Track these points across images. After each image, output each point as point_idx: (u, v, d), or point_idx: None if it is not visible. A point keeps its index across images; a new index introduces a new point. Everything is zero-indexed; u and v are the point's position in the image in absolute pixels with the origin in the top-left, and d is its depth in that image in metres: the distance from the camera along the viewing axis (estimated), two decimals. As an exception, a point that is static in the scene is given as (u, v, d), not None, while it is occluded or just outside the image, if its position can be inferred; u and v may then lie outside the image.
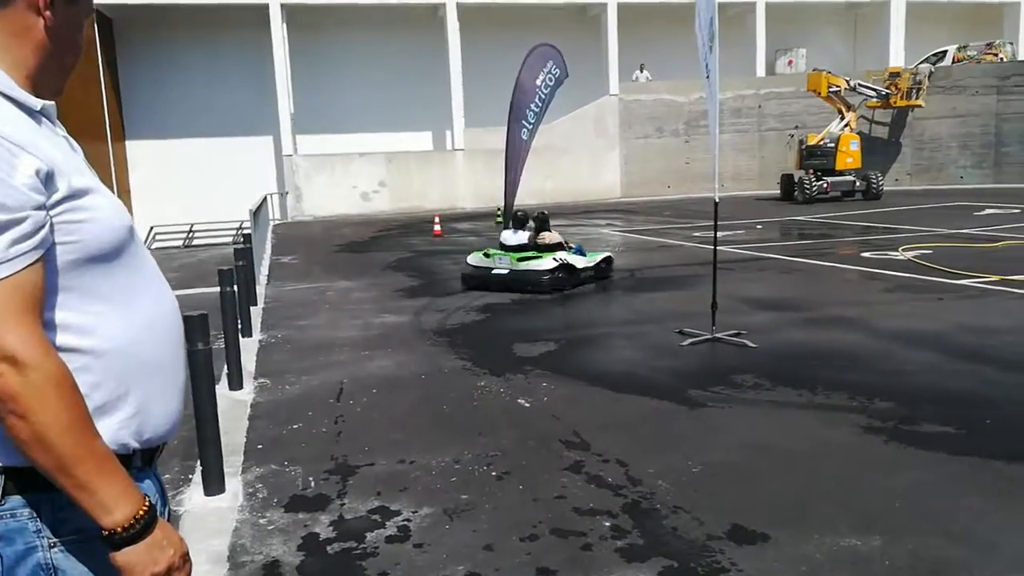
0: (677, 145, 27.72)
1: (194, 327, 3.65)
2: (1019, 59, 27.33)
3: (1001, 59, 26.57)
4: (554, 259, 9.22)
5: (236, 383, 5.76)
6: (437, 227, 17.57)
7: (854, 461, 4.05)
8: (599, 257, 10.10)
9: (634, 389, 5.44)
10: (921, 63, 26.68)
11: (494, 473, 4.06)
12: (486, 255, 9.87)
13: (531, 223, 9.97)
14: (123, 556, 1.20)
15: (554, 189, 26.71)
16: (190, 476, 4.25)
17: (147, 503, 1.24)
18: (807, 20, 29.33)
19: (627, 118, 27.48)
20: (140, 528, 1.21)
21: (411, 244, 15.78)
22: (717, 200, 6.88)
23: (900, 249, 11.71)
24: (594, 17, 27.75)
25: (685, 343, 6.57)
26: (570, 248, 9.82)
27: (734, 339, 6.56)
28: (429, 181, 26.00)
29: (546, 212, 10.35)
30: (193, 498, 3.99)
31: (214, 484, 3.98)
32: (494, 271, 9.54)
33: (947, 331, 6.70)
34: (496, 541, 3.34)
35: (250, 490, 4.02)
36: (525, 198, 25.55)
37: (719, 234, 7.63)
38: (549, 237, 9.71)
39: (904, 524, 3.34)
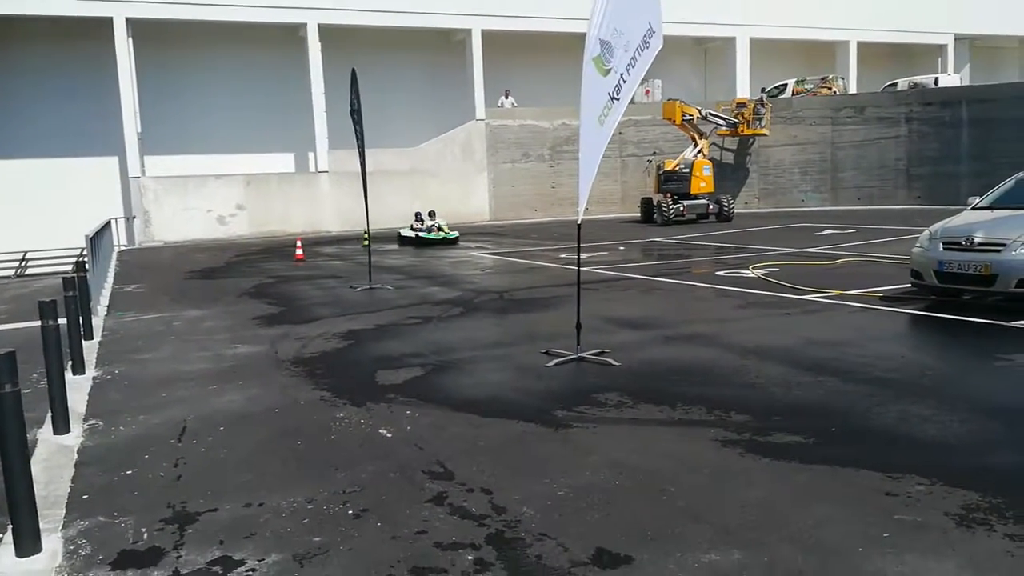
0: (543, 170, 28.29)
1: (-3, 366, 3.20)
2: (850, 92, 29.93)
3: (834, 92, 28.99)
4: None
5: (61, 427, 5.18)
6: (299, 251, 16.97)
7: (713, 475, 4.11)
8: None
9: (500, 413, 5.33)
10: (764, 93, 28.65)
11: (351, 512, 3.81)
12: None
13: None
14: None
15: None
16: (1, 535, 3.73)
17: None
18: (662, 53, 30.54)
19: (494, 143, 27.80)
20: None
21: (271, 270, 15.11)
22: (580, 222, 6.95)
23: (750, 268, 12.35)
24: (459, 42, 27.97)
25: (551, 364, 6.55)
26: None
27: (598, 358, 6.61)
28: (291, 204, 25.19)
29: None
30: (3, 561, 3.49)
31: (27, 543, 3.50)
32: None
33: (795, 345, 7.04)
34: (350, 586, 3.10)
35: (71, 547, 3.56)
36: (395, 221, 25.36)
37: (584, 255, 7.72)
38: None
39: (761, 536, 3.38)
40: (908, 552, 3.18)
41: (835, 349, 6.82)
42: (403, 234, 20.22)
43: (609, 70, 6.60)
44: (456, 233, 19.81)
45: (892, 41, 33.34)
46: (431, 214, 20.33)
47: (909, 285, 9.12)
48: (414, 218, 20.34)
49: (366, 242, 13.44)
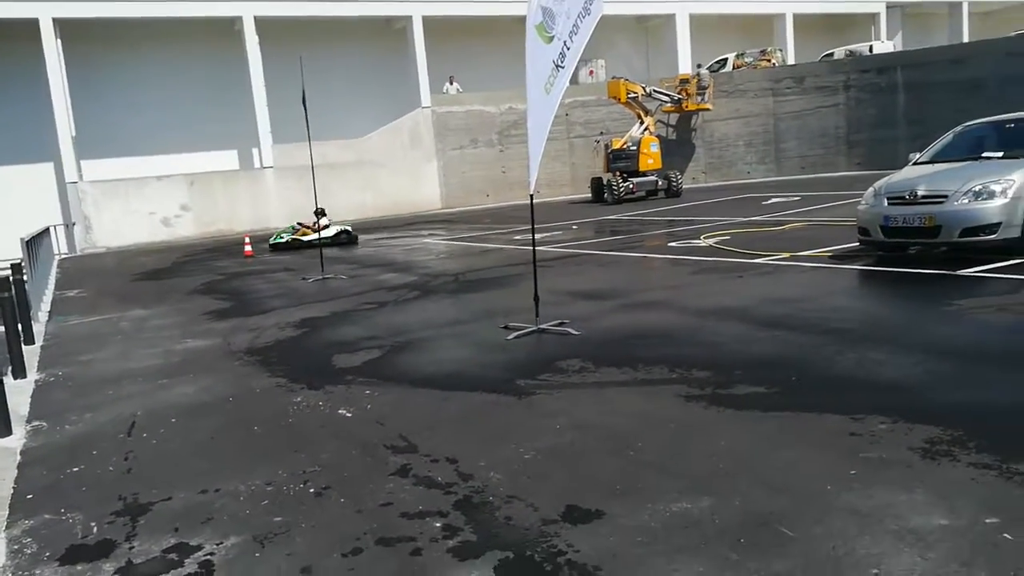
0: (492, 155, 28.16)
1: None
2: (789, 64, 30.37)
3: (774, 64, 29.39)
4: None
5: (2, 429, 4.93)
6: (248, 248, 16.59)
7: (678, 429, 4.08)
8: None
9: (463, 386, 5.24)
10: (700, 68, 28.90)
11: (312, 490, 3.69)
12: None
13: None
14: None
15: (375, 203, 26.23)
16: (-61, 542, 3.52)
17: None
18: (603, 32, 30.83)
19: (441, 130, 27.56)
20: None
21: (220, 267, 14.74)
22: (532, 192, 6.88)
23: (702, 237, 12.44)
24: (400, 30, 27.61)
25: (511, 337, 6.48)
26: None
27: (558, 328, 6.56)
28: (237, 202, 24.63)
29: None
30: (-57, 568, 3.29)
31: (-33, 547, 3.31)
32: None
33: (750, 304, 7.09)
34: (315, 562, 2.99)
35: (16, 546, 3.38)
36: (345, 214, 25.02)
37: (538, 236, 7.66)
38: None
39: (730, 483, 3.36)
40: (876, 486, 3.19)
41: (790, 306, 6.88)
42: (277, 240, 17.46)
43: (552, 37, 6.52)
44: (336, 229, 17.19)
45: (827, 12, 33.95)
46: (320, 213, 17.05)
47: (857, 243, 9.25)
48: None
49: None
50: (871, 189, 8.99)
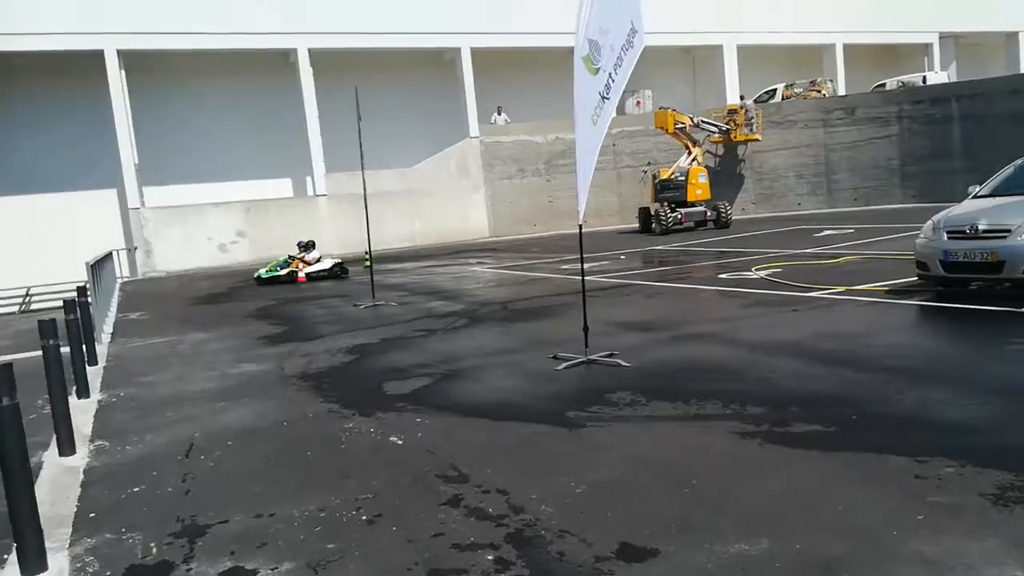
0: (540, 184, 28.29)
1: (-4, 379, 3.12)
2: (840, 94, 30.01)
3: (824, 95, 29.06)
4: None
5: (67, 448, 5.09)
6: (301, 274, 16.91)
7: (733, 466, 4.01)
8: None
9: (512, 416, 5.23)
10: (744, 100, 28.69)
11: (364, 517, 3.71)
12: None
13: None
14: None
15: (423, 232, 26.52)
16: (6, 556, 3.63)
17: None
18: (650, 63, 30.96)
19: (489, 160, 27.82)
20: None
21: (274, 293, 15.03)
22: (582, 222, 6.90)
23: (753, 269, 12.27)
24: (449, 61, 28.08)
25: (560, 367, 6.47)
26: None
27: (607, 359, 6.52)
28: (291, 229, 25.06)
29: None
30: (9, 583, 3.40)
31: (32, 562, 3.41)
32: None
33: (805, 339, 6.95)
34: (369, 591, 3.00)
35: (78, 565, 3.46)
36: (394, 242, 25.35)
37: (586, 266, 7.67)
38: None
39: (789, 524, 3.28)
40: (945, 534, 3.08)
41: (846, 341, 6.73)
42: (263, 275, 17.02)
43: (598, 69, 6.60)
44: (330, 263, 17.26)
45: (878, 42, 33.51)
46: (308, 246, 17.65)
47: (915, 278, 9.02)
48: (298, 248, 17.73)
49: (368, 262, 13.38)
50: (930, 223, 8.78)
